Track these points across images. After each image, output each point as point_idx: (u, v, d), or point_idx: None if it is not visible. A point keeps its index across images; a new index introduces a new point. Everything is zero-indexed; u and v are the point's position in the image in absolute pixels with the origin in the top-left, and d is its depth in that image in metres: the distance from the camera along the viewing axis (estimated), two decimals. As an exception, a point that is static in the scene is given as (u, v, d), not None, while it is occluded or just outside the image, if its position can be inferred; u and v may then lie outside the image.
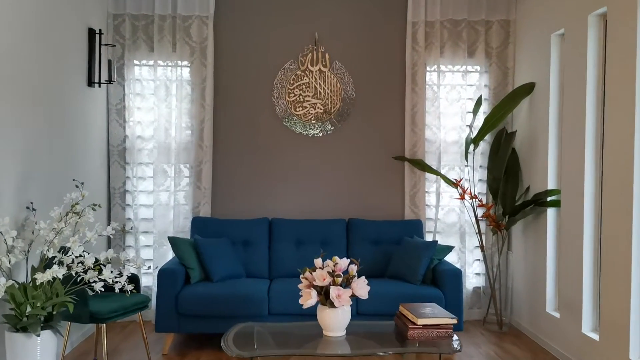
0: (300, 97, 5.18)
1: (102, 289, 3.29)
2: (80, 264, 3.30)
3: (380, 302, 4.19)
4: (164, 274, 4.19)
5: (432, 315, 3.03)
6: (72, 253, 3.29)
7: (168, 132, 5.12)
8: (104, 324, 3.65)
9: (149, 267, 3.87)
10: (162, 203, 5.14)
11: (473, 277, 5.25)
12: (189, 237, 4.97)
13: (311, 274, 3.07)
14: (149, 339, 4.52)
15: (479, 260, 5.27)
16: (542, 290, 4.53)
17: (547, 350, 4.37)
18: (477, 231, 5.08)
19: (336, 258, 3.06)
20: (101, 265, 3.36)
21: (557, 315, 4.30)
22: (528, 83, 4.80)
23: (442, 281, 4.34)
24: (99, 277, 3.29)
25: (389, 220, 5.07)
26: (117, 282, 3.37)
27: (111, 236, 3.41)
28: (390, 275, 4.65)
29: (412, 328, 2.98)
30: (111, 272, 3.37)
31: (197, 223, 4.89)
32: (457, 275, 4.33)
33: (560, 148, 4.44)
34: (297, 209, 5.21)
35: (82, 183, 3.65)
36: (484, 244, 5.10)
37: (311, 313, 4.09)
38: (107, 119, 5.10)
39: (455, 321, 3.01)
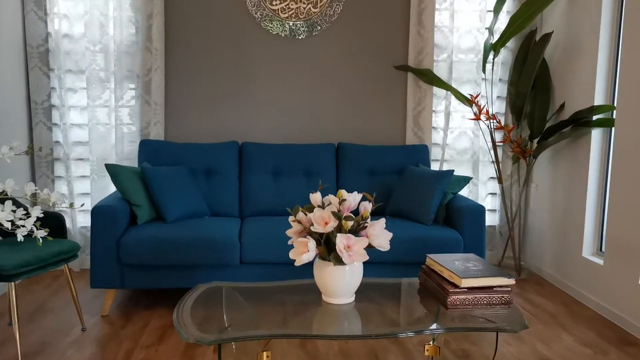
0: (278, -14, 4.01)
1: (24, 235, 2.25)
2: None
3: (384, 248, 3.27)
4: (100, 213, 3.14)
5: (480, 272, 2.11)
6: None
7: (104, 30, 3.92)
8: (13, 283, 2.61)
9: (80, 204, 2.80)
10: (100, 122, 4.01)
11: (487, 214, 4.35)
12: (135, 166, 3.90)
13: (306, 214, 2.08)
14: (86, 296, 3.53)
15: (494, 194, 4.37)
16: (577, 231, 3.69)
17: (583, 303, 3.57)
18: (493, 159, 4.15)
19: (343, 192, 2.07)
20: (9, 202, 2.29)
21: (598, 261, 3.48)
22: (572, -31, 3.75)
23: (459, 220, 3.42)
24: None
25: (388, 145, 4.08)
26: (20, 226, 2.31)
27: (8, 160, 2.33)
28: (392, 213, 3.72)
29: (453, 292, 2.05)
30: (13, 211, 2.31)
31: (146, 148, 3.80)
32: (479, 213, 3.41)
33: (613, 54, 3.47)
34: (274, 131, 4.16)
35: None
36: (502, 175, 4.19)
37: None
38: (22, 9, 3.85)
39: (513, 282, 2.09)
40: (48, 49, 3.91)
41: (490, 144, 4.21)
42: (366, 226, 2.07)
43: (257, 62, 4.09)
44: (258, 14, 4.02)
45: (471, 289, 2.07)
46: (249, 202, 3.81)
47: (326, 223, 2.01)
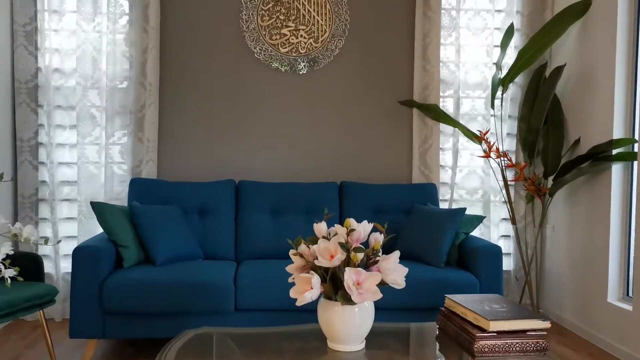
0: (278, 21, 3.88)
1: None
2: None
3: (394, 293, 2.99)
4: (82, 254, 2.87)
5: (509, 314, 1.83)
6: None
7: (97, 64, 3.76)
8: (-21, 331, 2.32)
9: (57, 241, 2.56)
10: (89, 160, 3.79)
11: (501, 257, 4.08)
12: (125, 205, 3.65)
13: (309, 247, 1.82)
14: (66, 347, 3.21)
15: (507, 236, 4.11)
16: (600, 275, 3.40)
17: (611, 354, 3.24)
18: (505, 199, 3.92)
19: (351, 221, 1.82)
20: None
21: (626, 307, 3.18)
22: (582, 1, 3.63)
23: (474, 262, 3.15)
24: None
25: (394, 184, 3.85)
26: (-15, 265, 2.05)
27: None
28: (401, 255, 3.42)
29: (480, 337, 1.77)
30: (-21, 249, 2.06)
31: (137, 186, 3.57)
32: (495, 253, 3.14)
33: (631, 84, 3.30)
34: (273, 168, 3.94)
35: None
36: (515, 216, 3.94)
37: (301, 307, 2.89)
38: (11, 45, 3.71)
39: (548, 325, 1.81)
40: (37, 85, 3.74)
41: (501, 183, 3.98)
42: (378, 260, 1.81)
43: (256, 97, 3.92)
44: (257, 48, 3.88)
45: (501, 334, 1.79)
46: (246, 244, 3.54)
47: (332, 256, 1.75)
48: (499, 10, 4.04)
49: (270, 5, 3.87)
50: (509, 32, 3.94)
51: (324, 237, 1.84)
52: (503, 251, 4.04)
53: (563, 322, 3.80)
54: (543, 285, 4.06)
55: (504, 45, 3.94)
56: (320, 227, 1.86)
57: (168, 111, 3.87)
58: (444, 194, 4.03)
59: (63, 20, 3.75)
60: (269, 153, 3.93)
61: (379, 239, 1.85)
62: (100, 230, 3.71)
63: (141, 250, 3.16)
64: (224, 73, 3.90)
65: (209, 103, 3.89)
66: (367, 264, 1.84)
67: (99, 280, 2.87)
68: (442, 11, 3.99)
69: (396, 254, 1.80)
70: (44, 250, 3.74)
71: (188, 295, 2.87)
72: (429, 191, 3.79)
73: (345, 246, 1.75)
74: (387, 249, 3.52)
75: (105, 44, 3.75)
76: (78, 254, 2.86)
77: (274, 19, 3.88)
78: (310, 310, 1.86)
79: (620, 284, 3.34)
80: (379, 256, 1.81)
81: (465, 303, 1.94)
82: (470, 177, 4.06)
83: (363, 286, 1.72)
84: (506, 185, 3.86)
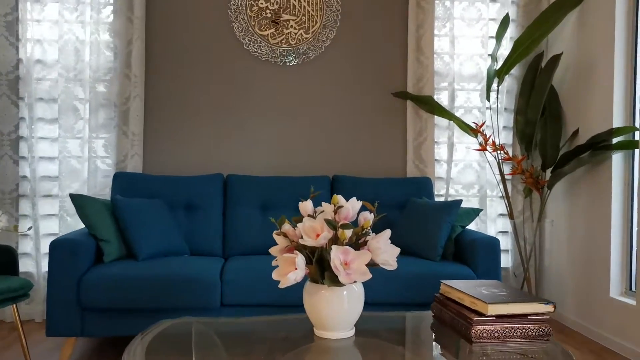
0: (267, 10, 3.78)
1: None
2: None
3: (387, 287, 2.86)
4: (59, 247, 2.72)
5: (509, 297, 1.70)
6: None
7: (80, 55, 3.64)
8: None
9: (27, 227, 2.42)
10: (71, 155, 3.66)
11: (498, 253, 3.94)
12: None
13: (294, 226, 1.69)
14: (44, 347, 3.06)
15: (505, 232, 3.98)
16: (602, 269, 3.28)
17: (615, 351, 3.11)
18: (502, 194, 3.80)
19: (339, 197, 1.69)
20: None
21: (629, 301, 3.05)
22: (578, -12, 3.54)
23: (472, 255, 3.02)
24: None
25: (388, 178, 3.72)
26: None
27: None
28: (395, 250, 3.30)
29: (478, 321, 1.63)
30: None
31: (121, 180, 3.43)
32: (493, 246, 3.01)
33: (631, 71, 3.20)
34: (263, 162, 3.81)
35: None
36: (512, 210, 3.82)
37: (291, 302, 2.76)
38: (-9, 35, 3.59)
39: (551, 308, 1.68)
40: (18, 76, 3.61)
41: (498, 177, 3.86)
42: (367, 240, 1.68)
43: (245, 90, 3.80)
44: (246, 39, 3.77)
45: (500, 318, 1.66)
46: (235, 240, 3.40)
47: (318, 234, 1.62)
48: (494, 1, 3.94)
49: (259, -5, 3.77)
50: (504, 23, 3.84)
51: (309, 215, 1.71)
52: (501, 248, 3.93)
53: (564, 319, 3.67)
54: (543, 282, 3.93)
55: (499, 36, 3.84)
56: (306, 206, 1.73)
57: (154, 104, 3.75)
58: (439, 188, 3.91)
59: (45, 10, 3.63)
60: (259, 146, 3.81)
61: (368, 217, 1.72)
62: (82, 226, 3.58)
63: (123, 245, 3.02)
64: (211, 65, 3.78)
65: (196, 95, 3.77)
66: (357, 246, 1.70)
67: (77, 275, 2.72)
68: (436, 1, 3.89)
69: (387, 232, 1.67)
70: (25, 248, 3.59)
71: (171, 290, 2.73)
72: (424, 185, 3.66)
73: (332, 223, 1.62)
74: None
75: (89, 34, 3.63)
76: (55, 248, 2.72)
77: (262, 9, 3.77)
78: (301, 306, 1.73)
79: (622, 277, 3.22)
80: (369, 235, 1.68)
81: (462, 288, 1.81)
82: (466, 171, 3.94)
83: (351, 266, 1.59)
84: (503, 179, 3.74)
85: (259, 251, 3.36)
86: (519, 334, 1.64)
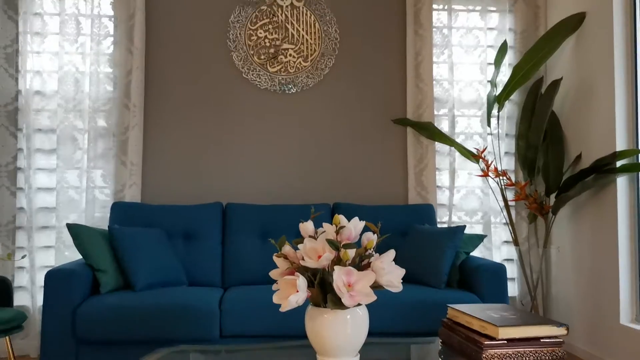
0: (266, 40, 3.80)
1: None
2: None
3: (391, 316, 2.78)
4: (54, 278, 2.66)
5: (520, 320, 1.63)
6: None
7: (79, 86, 3.64)
8: None
9: (22, 256, 2.36)
10: (69, 185, 3.62)
11: (504, 281, 3.86)
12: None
13: (294, 248, 1.64)
14: (35, 382, 2.95)
15: (510, 260, 3.90)
16: (611, 296, 3.20)
17: (629, 381, 3.01)
18: (506, 220, 3.74)
19: (340, 217, 1.64)
20: None
21: (641, 328, 2.97)
22: (576, 14, 3.56)
23: (478, 282, 2.95)
24: None
25: (390, 205, 3.67)
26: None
27: None
28: (398, 278, 3.23)
29: (489, 346, 1.56)
30: None
31: (119, 210, 3.38)
32: (500, 272, 2.95)
33: (632, 93, 3.19)
34: (262, 191, 3.76)
35: None
36: (517, 237, 3.75)
37: (293, 333, 2.67)
38: (-9, 66, 3.60)
39: (564, 331, 1.61)
40: (17, 108, 3.60)
41: (502, 203, 3.81)
42: (370, 261, 1.62)
43: (244, 118, 3.79)
44: (245, 68, 3.77)
45: (511, 342, 1.59)
46: (234, 270, 3.33)
47: (319, 256, 1.56)
48: (491, 28, 3.97)
49: (258, 25, 3.79)
50: (503, 50, 3.86)
51: (310, 236, 1.65)
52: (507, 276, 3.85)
53: (574, 349, 3.56)
54: (551, 310, 3.84)
55: (497, 62, 3.85)
56: (307, 227, 1.67)
57: (153, 133, 3.73)
58: (442, 215, 3.85)
59: (45, 42, 3.65)
60: (258, 175, 3.77)
61: (372, 238, 1.66)
62: (80, 258, 3.51)
63: (120, 275, 2.95)
64: (210, 93, 3.78)
65: (195, 124, 3.76)
66: (360, 267, 1.64)
67: (72, 306, 2.65)
68: (434, 29, 3.91)
69: (391, 252, 1.61)
70: (20, 281, 3.51)
71: (169, 321, 2.65)
72: (427, 212, 3.61)
73: (334, 243, 1.56)
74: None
75: (89, 65, 3.64)
76: (50, 277, 2.65)
77: (261, 39, 3.79)
78: (304, 337, 1.65)
79: (632, 303, 3.13)
80: (373, 256, 1.63)
81: (471, 311, 1.74)
82: (469, 197, 3.89)
83: (355, 288, 1.52)
84: (507, 206, 3.68)
85: (259, 281, 3.29)
86: (531, 358, 1.57)
